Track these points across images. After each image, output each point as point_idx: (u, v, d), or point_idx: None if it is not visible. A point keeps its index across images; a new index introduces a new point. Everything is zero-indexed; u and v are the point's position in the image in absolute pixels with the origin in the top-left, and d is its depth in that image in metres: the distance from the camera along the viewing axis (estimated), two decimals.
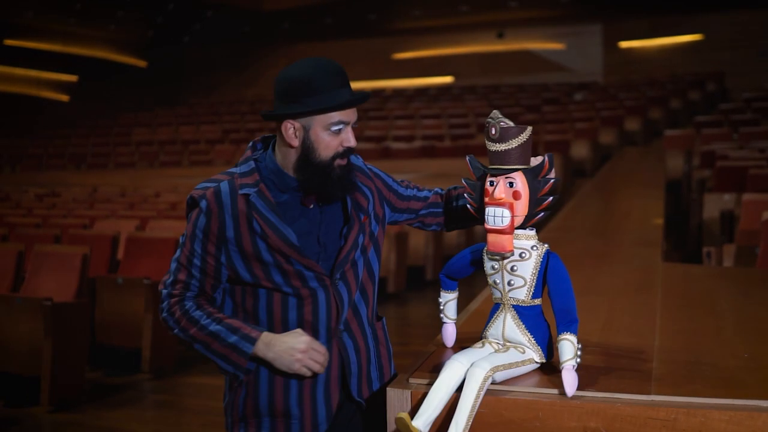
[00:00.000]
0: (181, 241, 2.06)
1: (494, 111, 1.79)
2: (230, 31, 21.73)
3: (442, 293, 2.02)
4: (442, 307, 2.03)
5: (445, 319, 2.02)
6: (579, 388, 1.69)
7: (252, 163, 2.05)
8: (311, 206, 2.04)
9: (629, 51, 20.22)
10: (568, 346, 1.71)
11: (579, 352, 1.72)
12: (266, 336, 1.96)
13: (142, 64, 23.58)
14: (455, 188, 2.23)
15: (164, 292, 2.05)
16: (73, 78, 22.42)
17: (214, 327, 1.97)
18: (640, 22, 19.63)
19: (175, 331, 2.03)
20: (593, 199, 8.46)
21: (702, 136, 11.33)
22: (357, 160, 2.14)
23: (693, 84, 17.75)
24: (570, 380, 1.66)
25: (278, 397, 2.02)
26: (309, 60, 2.00)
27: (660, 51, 19.92)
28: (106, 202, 10.91)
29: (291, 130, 1.97)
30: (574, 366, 1.68)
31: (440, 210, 2.23)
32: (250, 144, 2.11)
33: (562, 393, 1.67)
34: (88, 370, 5.79)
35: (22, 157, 18.30)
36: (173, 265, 2.05)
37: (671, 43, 19.76)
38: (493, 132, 1.76)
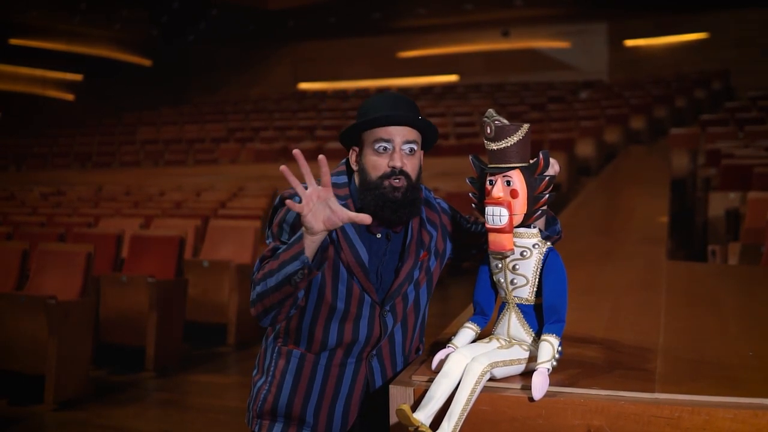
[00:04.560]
0: (268, 242, 2.03)
1: (489, 110, 1.79)
2: (235, 29, 21.72)
3: (470, 320, 1.89)
4: (457, 331, 1.89)
5: (449, 344, 1.85)
6: (583, 386, 1.69)
7: (345, 177, 2.09)
8: (378, 236, 2.05)
9: (634, 49, 20.18)
10: (547, 348, 1.70)
11: (558, 356, 1.70)
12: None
13: (147, 63, 23.57)
14: None
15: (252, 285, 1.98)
16: (77, 77, 22.42)
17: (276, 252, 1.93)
18: (645, 20, 19.57)
19: (258, 290, 1.91)
20: (598, 197, 8.46)
21: (707, 134, 11.28)
22: (428, 194, 2.16)
23: (698, 82, 17.69)
24: (539, 384, 1.64)
25: (297, 403, 2.07)
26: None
27: (665, 49, 19.87)
28: (111, 200, 10.91)
29: (354, 155, 2.07)
30: (548, 369, 1.67)
31: None
32: (344, 160, 2.14)
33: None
34: (92, 368, 5.80)
35: (27, 156, 18.32)
36: (259, 261, 1.99)
37: (677, 41, 19.71)
38: (489, 131, 1.76)
